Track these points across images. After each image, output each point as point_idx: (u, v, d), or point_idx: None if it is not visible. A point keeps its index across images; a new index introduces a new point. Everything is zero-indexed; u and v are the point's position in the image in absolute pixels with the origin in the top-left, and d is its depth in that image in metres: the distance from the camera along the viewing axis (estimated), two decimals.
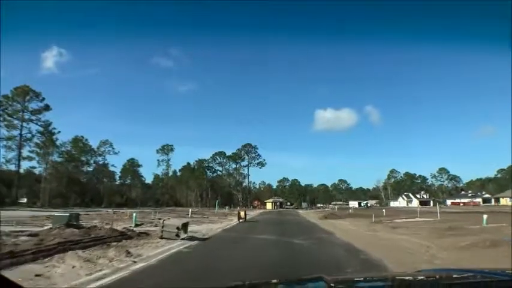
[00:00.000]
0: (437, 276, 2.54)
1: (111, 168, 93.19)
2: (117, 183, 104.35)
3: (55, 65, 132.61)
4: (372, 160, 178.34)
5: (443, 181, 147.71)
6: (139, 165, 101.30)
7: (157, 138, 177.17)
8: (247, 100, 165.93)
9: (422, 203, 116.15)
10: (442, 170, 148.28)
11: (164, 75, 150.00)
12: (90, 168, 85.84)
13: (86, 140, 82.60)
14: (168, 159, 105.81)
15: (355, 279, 2.87)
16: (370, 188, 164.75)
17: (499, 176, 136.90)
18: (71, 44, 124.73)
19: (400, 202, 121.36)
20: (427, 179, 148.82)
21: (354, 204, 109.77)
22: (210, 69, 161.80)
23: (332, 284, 2.01)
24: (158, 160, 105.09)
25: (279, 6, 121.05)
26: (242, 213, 29.51)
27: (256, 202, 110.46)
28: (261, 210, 75.32)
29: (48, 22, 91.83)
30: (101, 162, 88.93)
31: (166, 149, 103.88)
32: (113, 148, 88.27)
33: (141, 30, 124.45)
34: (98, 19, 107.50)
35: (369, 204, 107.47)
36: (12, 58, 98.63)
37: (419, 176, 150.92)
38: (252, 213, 48.15)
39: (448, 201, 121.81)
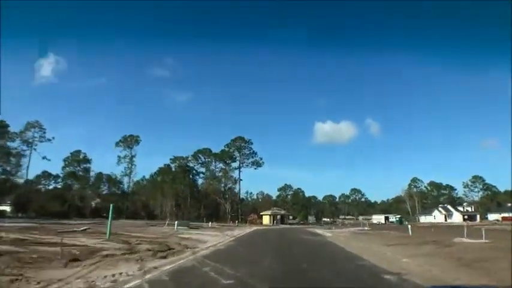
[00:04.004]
0: None
1: (44, 163, 63.05)
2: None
3: (52, 73, 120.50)
4: (377, 173, 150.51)
5: (478, 191, 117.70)
6: (88, 160, 71.01)
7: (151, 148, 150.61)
8: (243, 112, 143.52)
9: (469, 217, 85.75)
10: (477, 179, 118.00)
11: (159, 84, 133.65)
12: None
13: None
14: (133, 156, 75.45)
15: None
16: (379, 201, 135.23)
17: None
18: (66, 52, 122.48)
19: (436, 216, 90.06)
20: (455, 189, 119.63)
21: (379, 218, 79.40)
22: (205, 80, 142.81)
23: None
24: (119, 156, 74.74)
25: (277, 18, 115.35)
26: None
27: (252, 215, 79.79)
28: (254, 228, 45.35)
29: (44, 31, 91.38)
30: (27, 151, 58.90)
31: (129, 141, 73.46)
32: (45, 133, 58.57)
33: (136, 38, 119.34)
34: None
35: (404, 221, 76.08)
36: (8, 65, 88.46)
37: (447, 185, 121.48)
38: (215, 241, 18.27)
39: (492, 216, 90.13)
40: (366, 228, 34.93)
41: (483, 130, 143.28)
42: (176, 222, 27.71)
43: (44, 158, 60.14)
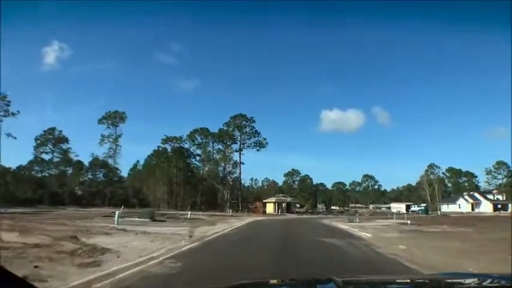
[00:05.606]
0: (448, 281, 2.30)
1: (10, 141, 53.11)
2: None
3: (56, 60, 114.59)
4: (385, 161, 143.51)
5: (502, 178, 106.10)
6: (65, 139, 61.09)
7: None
8: (248, 100, 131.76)
9: (501, 207, 74.51)
10: (501, 164, 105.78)
11: (164, 70, 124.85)
12: None
13: None
14: (118, 135, 65.19)
15: (365, 280, 2.59)
16: (388, 189, 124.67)
17: None
18: (71, 39, 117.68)
19: (461, 205, 78.87)
20: (476, 175, 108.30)
21: (398, 207, 68.60)
22: (209, 67, 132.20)
23: (341, 285, 1.84)
24: (102, 135, 64.44)
25: (283, 4, 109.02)
26: None
27: (255, 203, 69.73)
28: (252, 219, 35.14)
29: (48, 17, 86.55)
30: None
31: (113, 118, 63.06)
32: (8, 106, 48.56)
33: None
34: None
35: (429, 210, 65.01)
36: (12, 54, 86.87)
37: (467, 171, 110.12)
38: (123, 263, 8.04)
39: None
40: (409, 221, 24.24)
41: (493, 117, 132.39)
42: (117, 212, 17.62)
43: (8, 135, 50.12)
